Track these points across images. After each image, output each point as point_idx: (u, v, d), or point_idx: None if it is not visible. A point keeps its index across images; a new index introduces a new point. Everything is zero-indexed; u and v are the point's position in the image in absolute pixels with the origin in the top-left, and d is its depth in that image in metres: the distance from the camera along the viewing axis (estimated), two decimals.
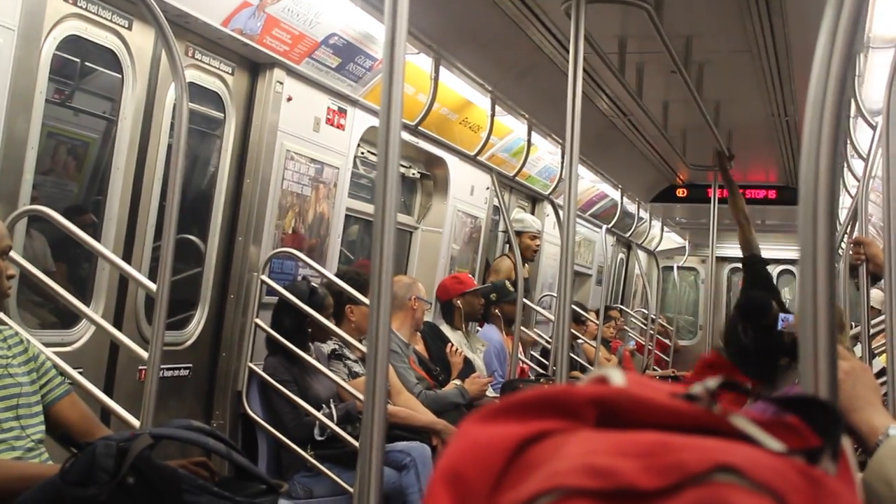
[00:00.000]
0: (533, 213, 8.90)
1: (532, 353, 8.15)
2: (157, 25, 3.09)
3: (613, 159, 8.80)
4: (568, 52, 3.58)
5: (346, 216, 5.62)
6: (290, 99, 4.83)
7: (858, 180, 4.88)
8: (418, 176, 6.90)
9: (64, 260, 4.17)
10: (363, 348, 4.60)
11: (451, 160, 6.85)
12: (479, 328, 7.03)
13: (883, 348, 4.90)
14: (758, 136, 7.90)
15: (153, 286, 3.19)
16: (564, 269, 3.44)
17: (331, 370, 4.76)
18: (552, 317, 7.72)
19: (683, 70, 5.26)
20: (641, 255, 13.13)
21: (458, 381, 5.66)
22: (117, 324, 3.97)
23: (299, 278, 5.05)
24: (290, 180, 4.92)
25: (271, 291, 4.76)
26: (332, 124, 5.19)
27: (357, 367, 4.95)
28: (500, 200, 6.97)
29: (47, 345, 3.25)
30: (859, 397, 1.74)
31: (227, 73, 4.62)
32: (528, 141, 7.26)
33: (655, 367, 10.83)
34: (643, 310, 11.87)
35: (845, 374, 1.71)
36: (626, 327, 11.28)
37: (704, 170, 8.01)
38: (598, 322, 8.54)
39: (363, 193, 6.20)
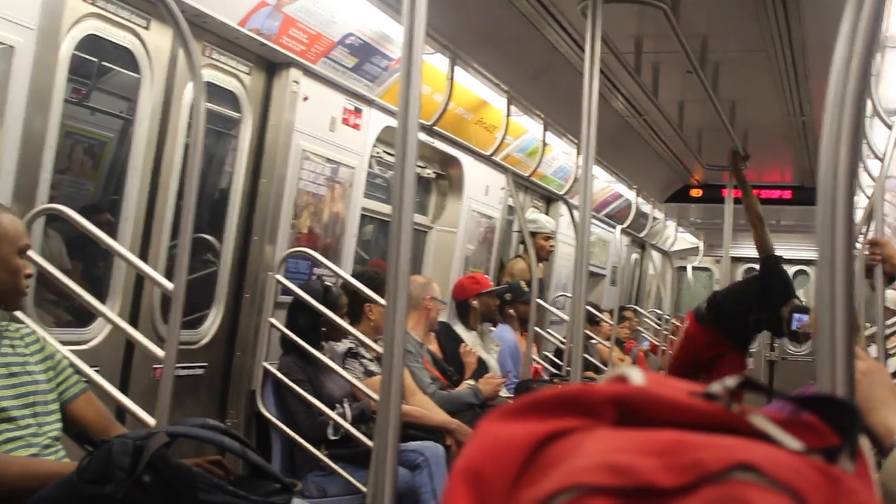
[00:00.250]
0: (547, 213, 8.89)
1: (546, 353, 8.14)
2: (174, 25, 3.10)
3: (628, 159, 8.78)
4: (584, 51, 3.58)
5: (361, 216, 5.62)
6: (306, 98, 4.83)
7: (874, 180, 4.87)
8: (433, 176, 6.90)
9: (80, 259, 4.19)
10: (378, 348, 4.60)
11: (466, 160, 6.85)
12: (492, 328, 7.03)
13: None
14: (773, 135, 7.88)
15: (169, 285, 3.20)
16: (579, 270, 3.43)
17: (346, 368, 4.77)
18: (566, 317, 7.72)
19: (699, 69, 5.25)
20: (656, 255, 13.11)
21: (471, 381, 5.66)
22: (133, 322, 3.98)
23: (314, 278, 5.06)
24: (305, 180, 4.92)
25: (286, 291, 4.76)
26: (347, 124, 5.20)
27: (373, 366, 4.96)
28: (515, 200, 6.97)
29: (63, 343, 3.27)
30: (875, 398, 1.74)
31: (244, 72, 4.63)
32: (543, 141, 7.25)
33: None
34: (657, 310, 11.85)
35: (862, 374, 1.71)
36: (639, 328, 11.26)
37: (719, 170, 7.98)
38: (612, 322, 8.53)
39: (378, 193, 6.20)
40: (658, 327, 11.09)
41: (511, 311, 7.13)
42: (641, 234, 11.41)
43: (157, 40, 4.06)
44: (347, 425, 4.49)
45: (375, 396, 4.39)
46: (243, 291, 4.79)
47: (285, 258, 4.82)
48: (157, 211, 4.19)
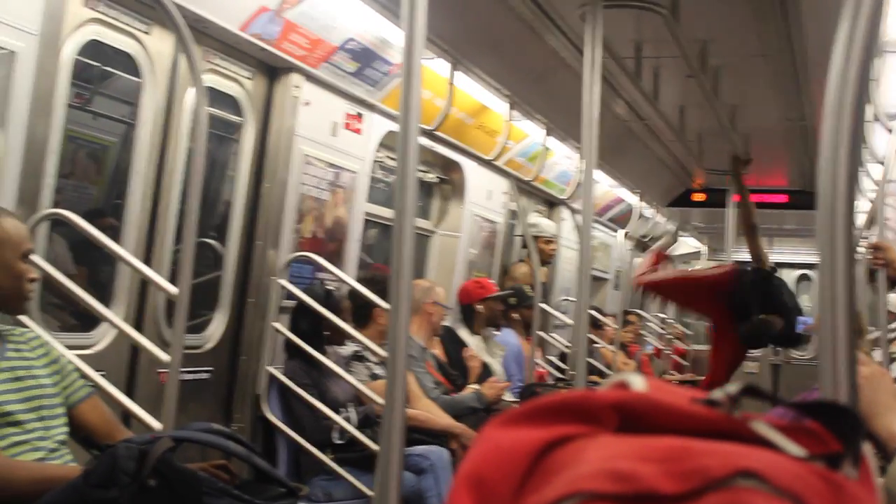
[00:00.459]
0: (550, 217, 8.89)
1: (550, 357, 8.14)
2: (176, 30, 3.11)
3: (630, 163, 8.79)
4: (584, 56, 3.59)
5: (364, 220, 5.62)
6: (307, 103, 4.84)
7: (876, 184, 4.87)
8: (436, 180, 6.90)
9: (84, 263, 4.19)
10: (383, 353, 4.60)
11: (467, 165, 6.85)
12: (496, 332, 7.03)
13: None
14: (773, 140, 7.88)
15: (174, 290, 3.20)
16: (582, 274, 3.44)
17: (351, 372, 4.77)
18: (570, 321, 7.71)
19: (700, 74, 5.26)
20: None
21: (475, 386, 5.66)
22: (137, 327, 3.98)
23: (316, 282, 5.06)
24: (308, 185, 4.93)
25: (290, 295, 4.77)
26: (349, 129, 5.20)
27: (378, 370, 4.95)
28: (517, 205, 6.98)
29: (69, 348, 3.27)
30: (879, 403, 1.74)
31: (246, 77, 4.64)
32: (545, 145, 7.26)
33: (673, 372, 10.80)
34: (661, 314, 11.84)
35: (864, 379, 1.71)
36: (643, 331, 11.24)
37: (721, 174, 7.98)
38: (615, 326, 8.53)
39: (381, 198, 6.21)
40: (662, 331, 11.07)
41: (515, 315, 7.13)
42: (644, 238, 11.41)
43: (158, 45, 4.07)
44: (353, 429, 4.50)
45: (380, 400, 4.39)
46: (247, 296, 4.80)
47: (289, 263, 4.82)
48: (161, 215, 4.20)
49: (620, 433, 0.65)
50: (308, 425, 4.57)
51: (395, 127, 5.29)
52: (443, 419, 5.07)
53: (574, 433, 0.65)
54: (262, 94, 4.77)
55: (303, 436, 4.56)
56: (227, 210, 4.74)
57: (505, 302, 6.84)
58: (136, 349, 4.00)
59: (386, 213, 6.06)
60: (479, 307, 6.55)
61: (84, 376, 3.06)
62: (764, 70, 5.89)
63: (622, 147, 7.95)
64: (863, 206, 5.65)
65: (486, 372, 6.02)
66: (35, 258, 3.04)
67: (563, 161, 8.01)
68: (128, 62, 4.03)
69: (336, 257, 5.22)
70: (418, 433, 4.79)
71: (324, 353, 4.70)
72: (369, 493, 4.37)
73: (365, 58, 4.95)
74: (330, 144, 5.07)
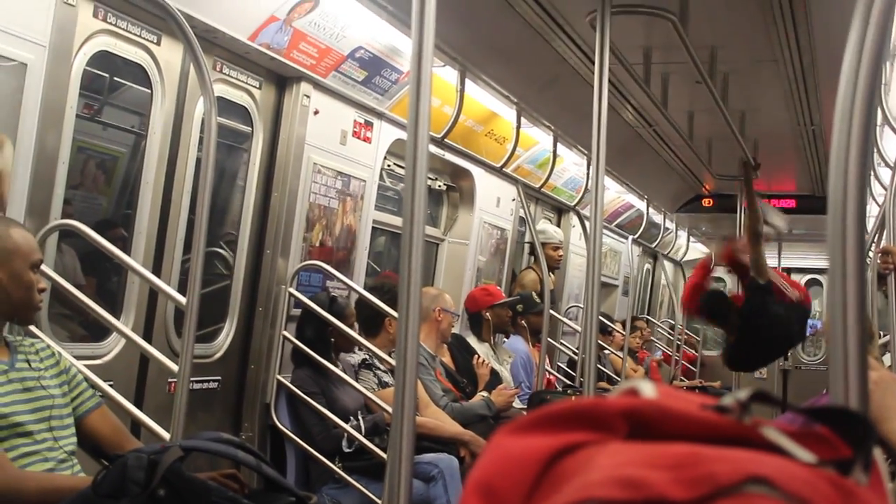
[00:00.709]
0: (559, 224, 8.89)
1: (559, 364, 8.13)
2: (185, 40, 3.12)
3: (639, 170, 8.78)
4: (593, 63, 3.58)
5: (373, 228, 5.63)
6: (316, 112, 4.85)
7: (885, 189, 4.85)
8: (444, 188, 6.91)
9: (94, 273, 4.20)
10: (391, 361, 4.61)
11: (477, 172, 6.85)
12: (505, 339, 7.03)
13: None
14: (783, 145, 7.87)
15: (183, 299, 3.20)
16: (591, 280, 3.43)
17: (359, 380, 4.77)
18: (579, 328, 7.70)
19: (708, 80, 5.25)
20: (668, 265, 13.08)
21: (484, 393, 5.65)
22: (147, 337, 3.99)
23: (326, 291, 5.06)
24: (317, 193, 4.94)
25: (299, 304, 4.77)
26: (358, 137, 5.21)
27: (387, 378, 4.96)
28: (525, 212, 6.97)
29: (78, 358, 3.27)
30: (889, 407, 1.73)
31: (255, 87, 4.65)
32: (554, 152, 7.26)
33: (682, 378, 10.78)
34: (670, 320, 11.82)
35: (875, 384, 1.70)
36: (652, 338, 11.23)
37: (730, 179, 7.97)
38: (624, 333, 8.52)
39: (389, 206, 6.21)
40: (671, 337, 11.05)
41: (522, 322, 7.13)
42: (653, 245, 11.40)
43: (168, 56, 4.08)
44: (362, 438, 4.49)
45: (389, 408, 4.39)
46: (256, 305, 4.81)
47: (298, 271, 4.83)
48: (170, 225, 4.21)
49: (630, 440, 0.65)
50: (317, 434, 4.57)
51: (402, 135, 5.31)
52: (452, 427, 5.06)
53: (584, 440, 0.65)
54: (272, 104, 4.78)
55: (312, 444, 4.56)
56: (237, 219, 4.74)
57: (512, 309, 6.84)
58: (145, 359, 4.00)
59: (395, 220, 6.07)
60: (487, 314, 6.55)
61: (93, 386, 3.06)
62: (773, 75, 5.88)
63: (631, 153, 7.94)
64: (873, 210, 5.64)
65: (495, 379, 6.02)
66: (45, 268, 3.05)
67: (571, 167, 8.02)
68: (138, 73, 4.04)
69: (345, 265, 5.23)
70: (427, 441, 4.79)
71: (331, 360, 4.70)
72: (378, 501, 4.37)
73: (374, 66, 4.96)
74: (339, 153, 5.07)
